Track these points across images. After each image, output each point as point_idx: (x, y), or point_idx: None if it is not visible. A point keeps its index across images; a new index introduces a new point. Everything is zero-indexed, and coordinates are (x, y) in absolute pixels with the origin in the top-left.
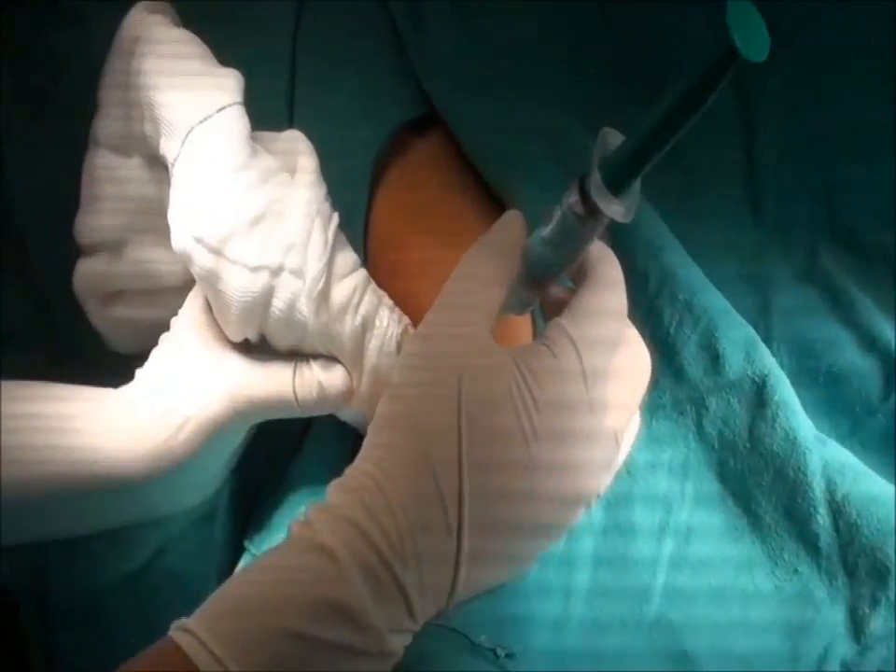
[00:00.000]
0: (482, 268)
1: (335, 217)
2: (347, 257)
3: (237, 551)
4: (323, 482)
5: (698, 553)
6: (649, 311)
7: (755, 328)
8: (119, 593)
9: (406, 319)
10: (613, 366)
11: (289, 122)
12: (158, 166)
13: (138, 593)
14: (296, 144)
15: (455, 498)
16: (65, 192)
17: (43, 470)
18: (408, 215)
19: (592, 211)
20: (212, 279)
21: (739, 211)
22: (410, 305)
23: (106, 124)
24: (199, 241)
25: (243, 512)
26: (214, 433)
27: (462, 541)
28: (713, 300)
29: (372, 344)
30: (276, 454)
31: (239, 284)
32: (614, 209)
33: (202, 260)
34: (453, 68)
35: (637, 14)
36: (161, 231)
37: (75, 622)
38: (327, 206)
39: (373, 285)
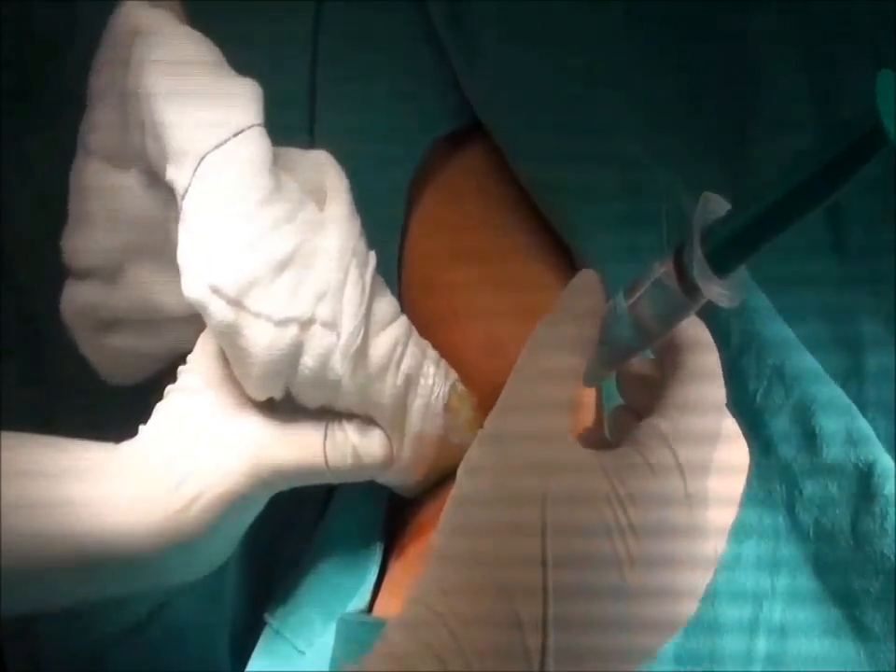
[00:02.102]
0: (558, 349)
1: (372, 258)
2: (386, 304)
3: (249, 609)
4: (352, 550)
5: (796, 652)
6: (729, 370)
7: (844, 389)
8: (119, 647)
9: (453, 374)
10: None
11: (310, 135)
12: (160, 183)
13: (140, 647)
14: (323, 167)
15: (539, 653)
16: (52, 198)
17: (39, 544)
18: (448, 236)
19: (689, 290)
20: (231, 334)
21: (820, 241)
22: (450, 343)
23: (98, 131)
24: (216, 291)
25: (254, 563)
26: (232, 506)
27: None
28: (806, 365)
29: (416, 406)
30: (296, 510)
31: (263, 340)
32: (717, 293)
33: (219, 313)
34: (506, 83)
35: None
36: (163, 254)
37: None
38: (362, 245)
39: (416, 335)
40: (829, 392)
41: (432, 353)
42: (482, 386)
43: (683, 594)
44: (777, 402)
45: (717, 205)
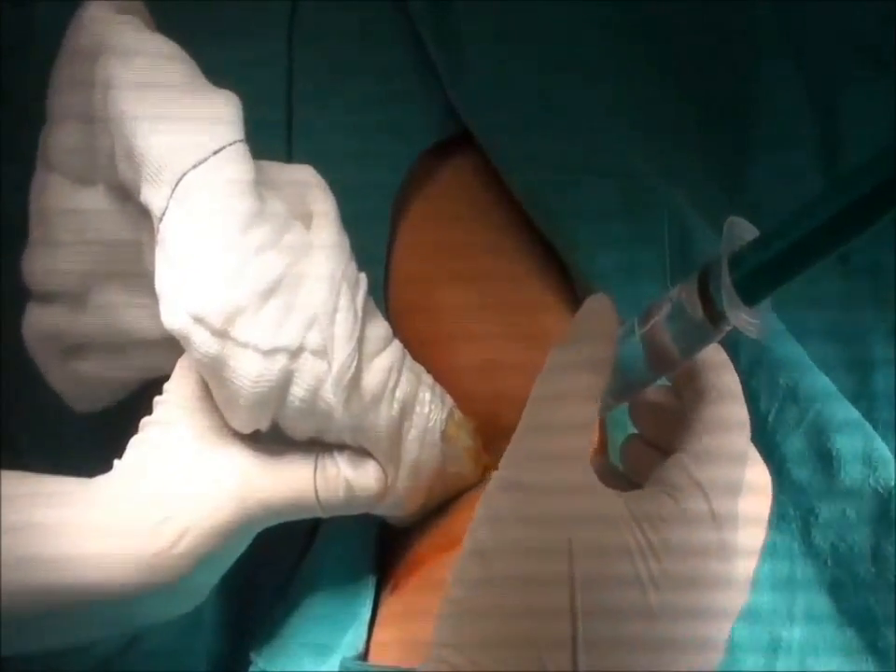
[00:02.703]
0: (573, 380)
1: (363, 281)
2: (378, 328)
3: (228, 637)
4: (343, 583)
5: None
6: None
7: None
8: None
9: (450, 400)
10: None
11: (287, 149)
12: (130, 202)
13: None
14: (307, 182)
15: None
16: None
17: (13, 587)
18: (437, 256)
19: (714, 319)
20: (216, 366)
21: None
22: (443, 367)
23: (61, 145)
24: (199, 321)
25: (234, 591)
26: (219, 543)
27: None
28: (820, 385)
29: (412, 435)
30: (279, 537)
31: (250, 371)
32: (746, 322)
33: (204, 345)
34: (498, 92)
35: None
36: (134, 276)
37: None
38: (353, 267)
39: (409, 359)
40: (845, 413)
41: (427, 378)
42: (478, 411)
43: (713, 644)
44: (791, 423)
45: (743, 230)
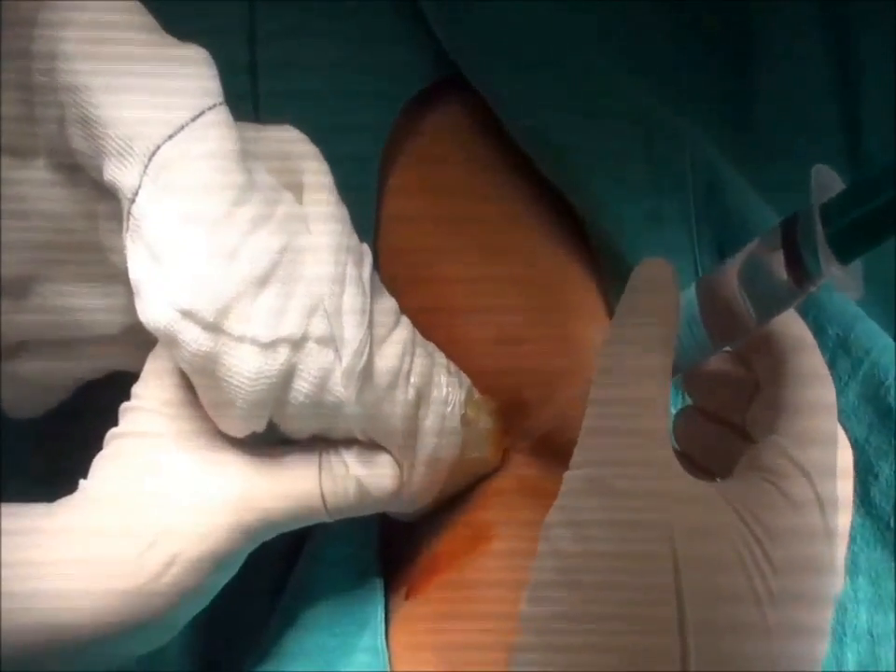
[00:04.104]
0: (646, 354)
1: (367, 253)
2: (386, 304)
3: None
4: (344, 587)
5: (888, 665)
6: None
7: None
8: None
9: (466, 380)
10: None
11: (254, 105)
12: (82, 179)
13: None
14: (294, 147)
15: None
16: None
17: None
18: (426, 198)
19: (802, 279)
20: (209, 365)
21: None
22: (452, 340)
23: None
24: (188, 315)
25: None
26: (211, 568)
27: None
28: (876, 337)
29: (429, 422)
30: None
31: (249, 367)
32: (845, 282)
33: (195, 342)
34: (502, 31)
35: None
36: (85, 265)
37: None
38: (355, 239)
39: (419, 337)
40: None
41: (440, 357)
42: (495, 388)
43: (823, 632)
44: (843, 378)
45: (829, 179)
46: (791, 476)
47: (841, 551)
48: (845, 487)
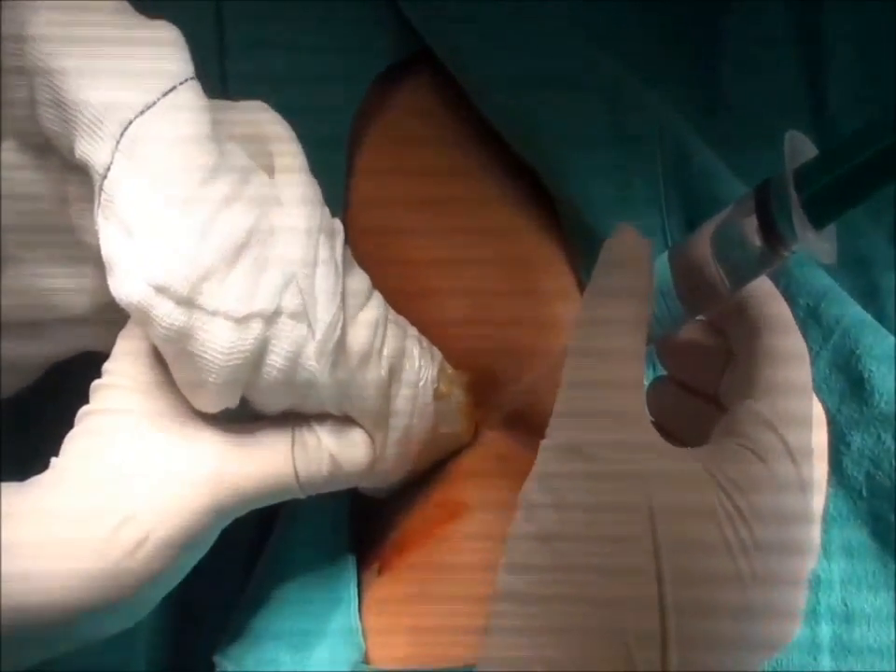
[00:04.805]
0: (621, 327)
1: (339, 229)
2: (358, 279)
3: (169, 641)
4: (316, 566)
5: (860, 609)
6: None
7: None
8: None
9: (438, 354)
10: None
11: (222, 87)
12: (50, 157)
13: None
14: (263, 123)
15: None
16: None
17: None
18: (396, 178)
19: (776, 244)
20: (182, 340)
21: None
22: (424, 320)
23: None
24: (161, 290)
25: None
26: (185, 544)
27: None
28: (846, 306)
29: (402, 396)
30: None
31: (222, 342)
32: (817, 245)
33: (168, 317)
34: (462, 4)
35: None
36: (56, 246)
37: None
38: (327, 214)
39: (392, 312)
40: (874, 335)
41: (412, 331)
42: (467, 366)
43: (800, 578)
44: (814, 349)
45: (803, 145)
46: (765, 436)
47: (816, 530)
48: (820, 468)
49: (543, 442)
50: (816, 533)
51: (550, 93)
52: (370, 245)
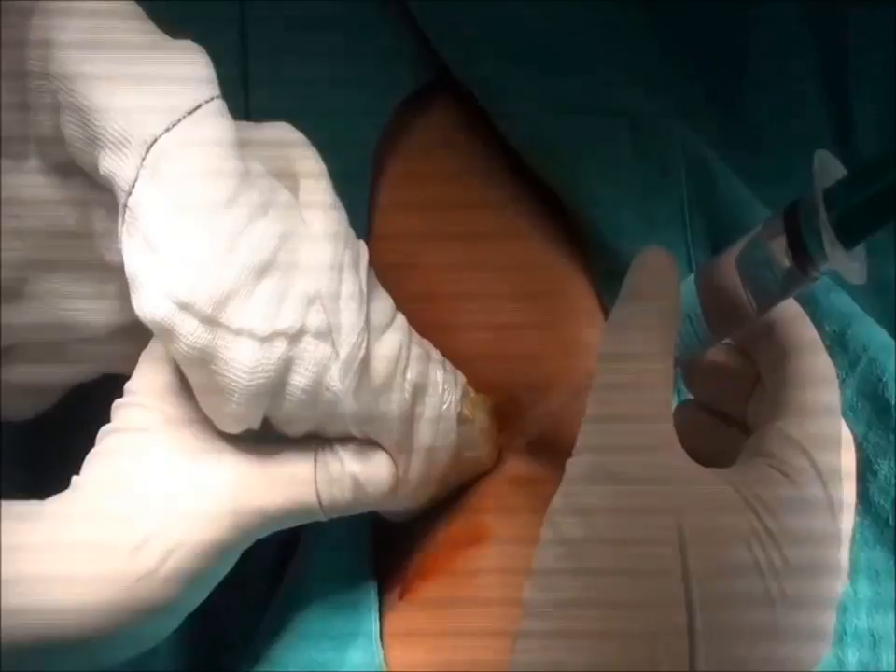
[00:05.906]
0: (647, 343)
1: (364, 249)
2: (382, 301)
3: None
4: (337, 593)
5: (885, 631)
6: None
7: None
8: None
9: (462, 377)
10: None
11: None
12: (75, 175)
13: None
14: (290, 145)
15: None
16: None
17: None
18: (420, 211)
19: (805, 265)
20: (205, 358)
21: None
22: (441, 336)
23: None
24: (186, 308)
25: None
26: (210, 561)
27: None
28: (873, 333)
29: (426, 420)
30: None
31: (247, 361)
32: (847, 265)
33: (192, 335)
34: (480, 23)
35: None
36: (80, 265)
37: None
38: (352, 234)
39: (416, 335)
40: None
41: (436, 354)
42: (487, 377)
43: (828, 600)
44: (841, 374)
45: (831, 165)
46: (794, 457)
47: (844, 551)
48: (848, 489)
49: (570, 462)
50: (844, 555)
51: (573, 119)
52: (392, 279)
